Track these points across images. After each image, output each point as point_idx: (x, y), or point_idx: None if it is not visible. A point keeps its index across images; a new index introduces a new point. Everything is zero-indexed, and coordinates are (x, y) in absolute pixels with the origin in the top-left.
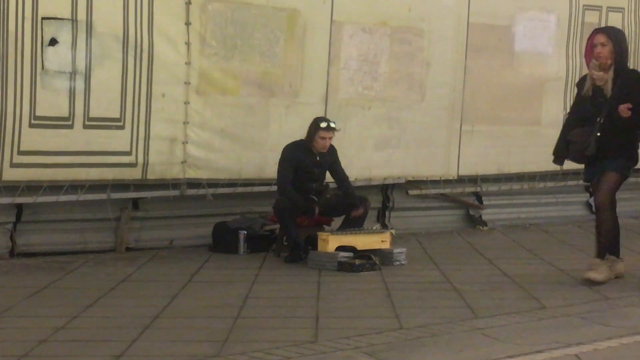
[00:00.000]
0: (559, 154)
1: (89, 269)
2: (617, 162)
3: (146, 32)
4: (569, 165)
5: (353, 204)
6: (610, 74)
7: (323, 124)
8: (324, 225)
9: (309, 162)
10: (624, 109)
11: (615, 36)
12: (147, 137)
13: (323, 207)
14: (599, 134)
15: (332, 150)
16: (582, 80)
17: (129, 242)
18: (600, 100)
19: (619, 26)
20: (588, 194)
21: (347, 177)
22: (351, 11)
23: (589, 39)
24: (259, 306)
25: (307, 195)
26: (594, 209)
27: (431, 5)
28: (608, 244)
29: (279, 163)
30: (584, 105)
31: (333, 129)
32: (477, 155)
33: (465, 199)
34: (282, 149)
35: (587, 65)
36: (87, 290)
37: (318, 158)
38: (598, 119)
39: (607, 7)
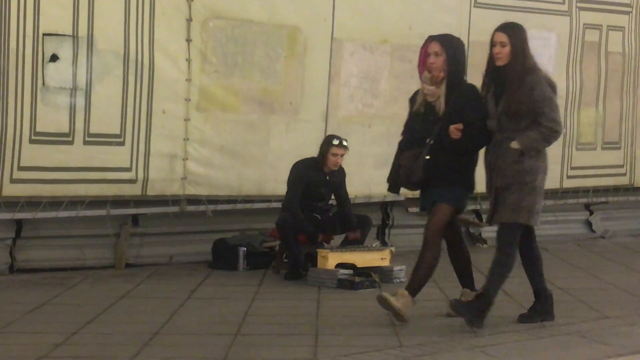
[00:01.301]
0: (391, 181)
1: (89, 285)
2: (450, 192)
3: (147, 48)
4: (569, 183)
5: (351, 227)
6: (443, 88)
7: (335, 141)
8: (323, 243)
9: (318, 181)
10: (455, 130)
11: (450, 45)
12: (147, 154)
13: (324, 229)
14: (427, 157)
15: (341, 172)
16: (415, 94)
17: (129, 258)
18: (431, 119)
19: (619, 45)
20: (588, 212)
21: (348, 201)
22: (352, 29)
23: (422, 47)
24: (258, 323)
25: (311, 214)
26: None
27: (432, 23)
28: (418, 282)
29: (289, 179)
30: (415, 124)
31: (345, 147)
32: (477, 173)
33: (465, 217)
34: (283, 167)
35: (420, 76)
36: (87, 307)
37: (328, 177)
38: (427, 140)
39: (608, 26)
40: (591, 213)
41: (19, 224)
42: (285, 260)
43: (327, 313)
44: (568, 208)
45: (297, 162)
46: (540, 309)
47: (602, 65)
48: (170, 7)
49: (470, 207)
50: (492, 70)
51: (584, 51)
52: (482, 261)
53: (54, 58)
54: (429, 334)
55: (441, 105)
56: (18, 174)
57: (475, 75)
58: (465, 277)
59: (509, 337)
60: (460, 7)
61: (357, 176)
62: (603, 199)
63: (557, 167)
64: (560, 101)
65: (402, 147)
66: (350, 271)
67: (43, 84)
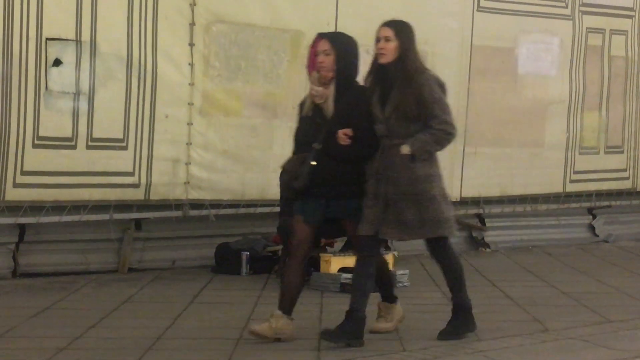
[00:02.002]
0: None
1: (92, 290)
2: (358, 207)
3: (150, 53)
4: (572, 187)
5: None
6: (332, 89)
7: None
8: (326, 247)
9: None
10: (343, 135)
11: (340, 43)
12: (150, 158)
13: (328, 237)
14: (313, 163)
15: None
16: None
17: (132, 262)
18: (318, 122)
19: (622, 49)
20: (591, 217)
21: None
22: (355, 33)
23: (312, 46)
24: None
25: None
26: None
27: (434, 27)
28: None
29: (280, 185)
30: (303, 128)
31: None
32: (480, 177)
33: (468, 221)
34: None
35: (309, 77)
36: (90, 311)
37: None
38: (313, 145)
39: (611, 30)
40: (594, 217)
41: (22, 228)
42: None
43: (330, 317)
44: (571, 212)
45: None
46: (350, 329)
47: (605, 69)
48: (173, 12)
49: (473, 211)
50: (377, 70)
51: (587, 55)
52: (486, 265)
53: (57, 62)
54: (432, 338)
55: (329, 107)
56: (21, 179)
57: (478, 80)
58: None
59: (512, 341)
60: (463, 11)
61: None
62: (606, 203)
63: (560, 171)
64: (563, 105)
65: (294, 151)
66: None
67: (46, 88)
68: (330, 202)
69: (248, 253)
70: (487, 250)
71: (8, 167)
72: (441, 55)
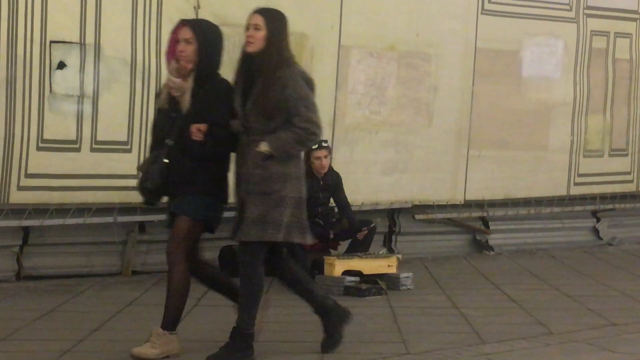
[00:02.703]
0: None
1: (95, 293)
2: (193, 203)
3: (154, 56)
4: (576, 190)
5: (356, 229)
6: (190, 82)
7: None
8: (330, 250)
9: (313, 187)
10: (196, 131)
11: (204, 32)
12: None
13: (336, 230)
14: (166, 161)
15: (335, 175)
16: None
17: (136, 265)
18: (174, 116)
19: (626, 52)
20: (595, 219)
21: (348, 204)
22: (359, 36)
23: (173, 32)
24: (265, 331)
25: (313, 219)
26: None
27: (439, 30)
28: (172, 315)
29: None
30: (159, 122)
31: (325, 148)
32: (484, 180)
33: (472, 224)
34: None
35: (167, 66)
36: (94, 314)
37: (321, 182)
38: (166, 141)
39: (615, 33)
40: (598, 220)
41: (26, 231)
42: None
43: None
44: (575, 215)
45: None
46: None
47: (609, 72)
48: (177, 14)
49: (477, 214)
50: (244, 60)
51: (591, 58)
52: (489, 268)
53: (62, 65)
54: (436, 341)
55: (186, 101)
56: (25, 181)
57: (482, 83)
58: (227, 291)
59: (517, 344)
60: (467, 14)
61: (363, 183)
62: (610, 206)
63: (564, 174)
64: (567, 108)
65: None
66: (357, 278)
67: (50, 91)
68: (180, 199)
69: None
70: (491, 253)
71: (12, 169)
72: (445, 57)
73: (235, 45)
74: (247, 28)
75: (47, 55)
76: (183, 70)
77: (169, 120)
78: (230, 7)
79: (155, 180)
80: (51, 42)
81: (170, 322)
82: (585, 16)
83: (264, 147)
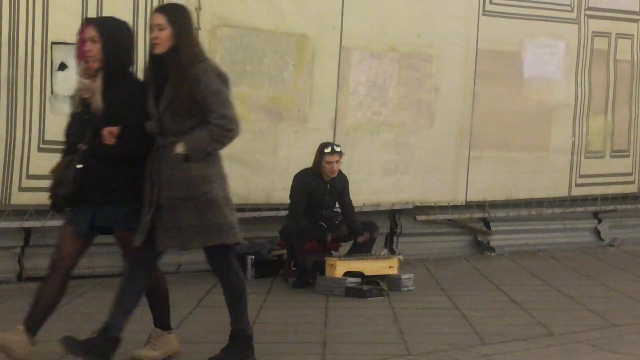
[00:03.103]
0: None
1: (97, 294)
2: (126, 214)
3: None
4: (577, 191)
5: (357, 233)
6: (98, 82)
7: (327, 149)
8: (331, 251)
9: (320, 190)
10: (108, 134)
11: (108, 30)
12: None
13: (335, 234)
14: (79, 166)
15: (343, 179)
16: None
17: None
18: (85, 119)
19: (628, 53)
20: (597, 220)
21: (352, 208)
22: (360, 37)
23: (79, 33)
24: (266, 332)
25: (317, 223)
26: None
27: (440, 31)
28: (166, 310)
29: (291, 191)
30: (73, 126)
31: (338, 153)
32: (485, 181)
33: (473, 225)
34: (291, 175)
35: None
36: (95, 315)
37: (329, 186)
38: (79, 145)
39: (616, 34)
40: (599, 221)
41: (27, 232)
42: (294, 269)
43: (335, 321)
44: (576, 216)
45: (297, 174)
46: (95, 346)
47: (610, 73)
48: None
49: (478, 215)
50: (153, 62)
51: (593, 59)
52: (491, 269)
53: (63, 67)
54: (437, 342)
55: (97, 102)
56: (27, 182)
57: (483, 84)
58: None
59: (518, 345)
60: (468, 15)
61: (365, 184)
62: (611, 207)
63: (566, 175)
64: (568, 109)
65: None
66: (358, 279)
67: (52, 92)
68: (98, 210)
69: (253, 257)
70: (492, 254)
71: (14, 171)
72: (446, 58)
73: (237, 46)
74: (151, 30)
75: (48, 57)
76: (90, 70)
77: (82, 123)
78: (231, 8)
79: (68, 187)
80: (52, 43)
81: (167, 322)
82: (586, 17)
83: (180, 148)
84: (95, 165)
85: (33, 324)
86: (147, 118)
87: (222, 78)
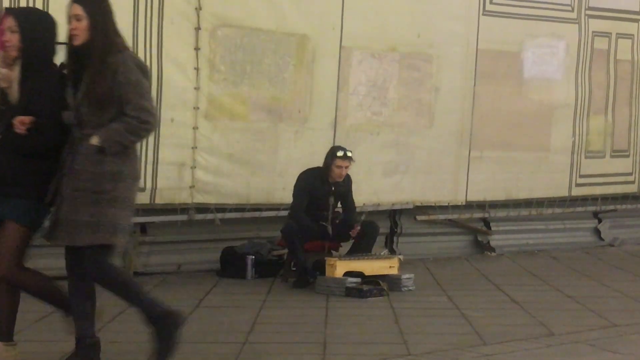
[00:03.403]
0: None
1: (97, 294)
2: (21, 206)
3: (155, 57)
4: (577, 191)
5: (349, 224)
6: (16, 72)
7: (340, 153)
8: (332, 251)
9: (323, 191)
10: (19, 123)
11: (27, 20)
12: (155, 162)
13: (336, 228)
14: None
15: (347, 179)
16: None
17: (137, 266)
18: (2, 109)
19: (628, 53)
20: (597, 221)
21: (354, 209)
22: (360, 37)
23: (0, 23)
24: (266, 332)
25: (318, 223)
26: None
27: (440, 31)
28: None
29: (294, 189)
30: None
31: (349, 158)
32: (486, 181)
33: (473, 225)
34: (291, 175)
35: None
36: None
37: (333, 188)
38: None
39: (617, 34)
40: (600, 221)
41: None
42: (294, 269)
43: (335, 321)
44: (577, 216)
45: (302, 172)
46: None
47: (611, 73)
48: (178, 16)
49: (479, 215)
50: (72, 54)
51: (593, 59)
52: (491, 269)
53: (63, 67)
54: (437, 342)
55: (14, 92)
56: None
57: (483, 84)
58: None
59: (518, 345)
60: (468, 15)
61: (365, 184)
62: (612, 207)
63: (566, 175)
64: (569, 109)
65: None
66: (358, 279)
67: None
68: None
69: (253, 257)
70: (493, 254)
71: None
72: (447, 58)
73: (237, 46)
74: (69, 21)
75: None
76: (8, 60)
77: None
78: (231, 8)
79: None
80: None
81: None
82: (586, 17)
83: (95, 140)
84: (8, 156)
85: (3, 332)
86: (65, 109)
87: (142, 69)
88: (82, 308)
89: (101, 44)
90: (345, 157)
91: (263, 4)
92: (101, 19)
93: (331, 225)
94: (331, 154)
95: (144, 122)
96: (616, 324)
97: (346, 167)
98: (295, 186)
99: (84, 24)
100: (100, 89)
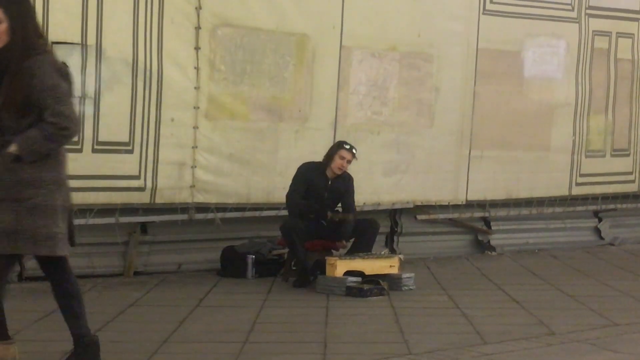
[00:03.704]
0: None
1: (97, 293)
2: None
3: (156, 56)
4: (578, 190)
5: (341, 236)
6: None
7: (346, 145)
8: (332, 250)
9: (320, 185)
10: None
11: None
12: (155, 162)
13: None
14: None
15: (347, 179)
16: None
17: (137, 266)
18: None
19: (628, 52)
20: (597, 220)
21: (353, 210)
22: (360, 36)
23: None
24: (267, 331)
25: (317, 222)
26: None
27: (441, 30)
28: None
29: (293, 178)
30: None
31: (354, 154)
32: (486, 181)
33: (474, 224)
34: (291, 175)
35: None
36: (95, 315)
37: (330, 182)
38: None
39: (617, 33)
40: (600, 220)
41: None
42: (294, 268)
43: (335, 321)
44: (577, 215)
45: (303, 164)
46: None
47: (611, 72)
48: (179, 15)
49: (479, 214)
50: None
51: (593, 58)
52: (491, 268)
53: None
54: (438, 341)
55: None
56: None
57: (484, 83)
58: None
59: (518, 344)
60: (469, 14)
61: (365, 184)
62: (612, 206)
63: (566, 174)
64: (569, 108)
65: None
66: (358, 279)
67: None
68: None
69: (254, 256)
70: (493, 253)
71: None
72: (447, 58)
73: (237, 45)
74: None
75: None
76: None
77: None
78: (231, 8)
79: None
80: (53, 42)
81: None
82: (587, 16)
83: (12, 147)
84: None
85: None
86: None
87: (62, 72)
88: (69, 308)
89: (20, 47)
90: (350, 150)
91: (263, 3)
92: (20, 20)
93: (328, 224)
94: (337, 144)
95: (63, 128)
96: (617, 323)
97: (348, 161)
98: (294, 176)
99: (3, 26)
100: (18, 94)
